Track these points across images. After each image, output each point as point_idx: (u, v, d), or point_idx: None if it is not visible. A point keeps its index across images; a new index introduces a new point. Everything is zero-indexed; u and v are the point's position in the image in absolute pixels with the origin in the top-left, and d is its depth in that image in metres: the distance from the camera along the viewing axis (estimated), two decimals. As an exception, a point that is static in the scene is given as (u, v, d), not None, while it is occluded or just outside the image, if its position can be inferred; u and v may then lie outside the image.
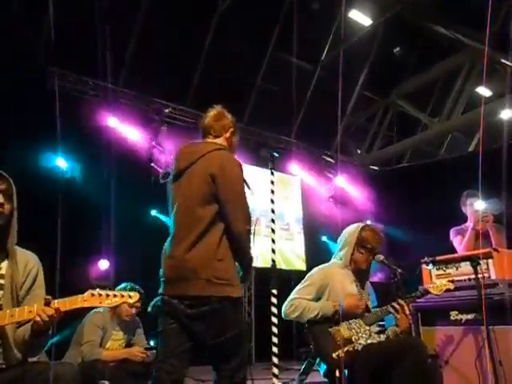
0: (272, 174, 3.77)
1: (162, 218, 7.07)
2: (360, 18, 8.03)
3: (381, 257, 2.88)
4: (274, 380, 3.61)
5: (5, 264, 1.95)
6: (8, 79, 5.24)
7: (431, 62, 8.93)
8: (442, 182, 7.51)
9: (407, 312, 2.70)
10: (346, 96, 9.14)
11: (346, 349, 2.57)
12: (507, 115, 7.81)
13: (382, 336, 2.74)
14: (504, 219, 3.81)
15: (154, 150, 6.93)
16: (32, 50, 5.89)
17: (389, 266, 2.84)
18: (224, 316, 2.09)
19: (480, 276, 2.83)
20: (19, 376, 1.82)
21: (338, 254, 3.00)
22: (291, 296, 2.84)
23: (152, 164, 6.80)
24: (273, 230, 3.78)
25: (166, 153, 6.89)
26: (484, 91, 8.90)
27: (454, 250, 3.78)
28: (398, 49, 9.55)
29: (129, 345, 3.61)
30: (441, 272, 3.27)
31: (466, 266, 3.11)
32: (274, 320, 3.64)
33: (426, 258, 3.29)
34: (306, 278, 2.90)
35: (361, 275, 2.94)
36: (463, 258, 3.18)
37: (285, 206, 8.35)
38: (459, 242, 3.81)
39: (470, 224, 3.81)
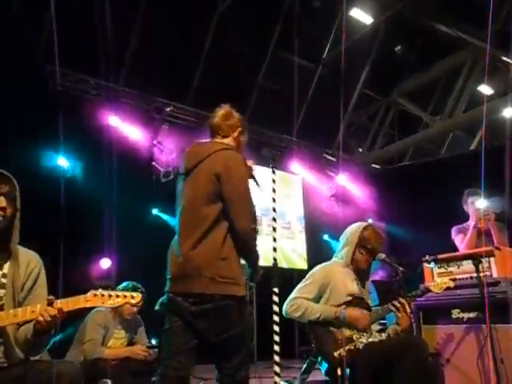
0: (273, 172, 3.77)
1: (164, 216, 7.09)
2: (361, 16, 8.01)
3: (382, 255, 2.87)
4: (276, 378, 3.62)
5: (7, 264, 1.96)
6: (8, 79, 5.23)
7: (432, 61, 8.90)
8: (443, 181, 7.51)
9: (408, 310, 2.70)
10: (347, 94, 9.13)
11: (347, 347, 2.57)
12: (509, 113, 7.80)
13: (383, 334, 2.74)
14: (506, 217, 3.81)
15: (155, 148, 6.94)
16: (32, 49, 5.89)
17: (390, 264, 2.84)
18: (227, 314, 2.09)
19: (482, 274, 2.84)
20: (21, 374, 1.83)
21: (339, 252, 3.00)
22: (292, 295, 2.84)
23: (153, 163, 6.80)
24: (274, 229, 3.80)
25: (167, 152, 6.89)
26: (486, 89, 8.89)
27: (455, 249, 3.77)
28: (399, 47, 9.54)
29: (131, 343, 3.62)
30: (442, 270, 3.26)
31: (467, 265, 3.11)
32: (276, 318, 3.65)
33: (427, 257, 3.27)
34: (308, 276, 2.90)
35: (361, 274, 2.94)
36: (465, 257, 3.18)
37: (286, 204, 8.34)
38: (461, 241, 3.80)
39: (471, 222, 3.80)
